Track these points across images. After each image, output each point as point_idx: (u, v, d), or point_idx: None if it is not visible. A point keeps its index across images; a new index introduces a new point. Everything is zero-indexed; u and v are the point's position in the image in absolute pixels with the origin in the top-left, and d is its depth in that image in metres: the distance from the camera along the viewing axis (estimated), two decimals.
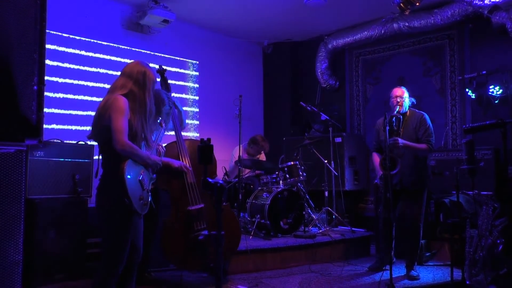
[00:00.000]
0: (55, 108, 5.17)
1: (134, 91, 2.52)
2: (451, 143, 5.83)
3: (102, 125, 2.47)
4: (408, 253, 4.17)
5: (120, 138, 2.38)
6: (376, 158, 4.29)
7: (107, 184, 2.49)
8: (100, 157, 2.57)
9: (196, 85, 6.75)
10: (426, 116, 4.17)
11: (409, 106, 4.21)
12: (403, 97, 4.12)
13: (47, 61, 4.49)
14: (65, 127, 5.23)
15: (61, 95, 5.23)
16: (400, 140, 3.88)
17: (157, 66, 3.83)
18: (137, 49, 5.95)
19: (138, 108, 2.51)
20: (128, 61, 5.57)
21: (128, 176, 2.39)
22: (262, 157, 6.06)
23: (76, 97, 5.35)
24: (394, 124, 3.90)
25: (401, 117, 4.03)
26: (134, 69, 2.59)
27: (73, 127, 5.26)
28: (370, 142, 4.75)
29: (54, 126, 5.13)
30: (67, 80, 5.29)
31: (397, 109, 4.04)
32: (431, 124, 4.14)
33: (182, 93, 6.49)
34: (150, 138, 2.63)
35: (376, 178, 4.21)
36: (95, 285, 2.48)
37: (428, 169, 4.19)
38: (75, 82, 5.36)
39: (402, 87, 4.25)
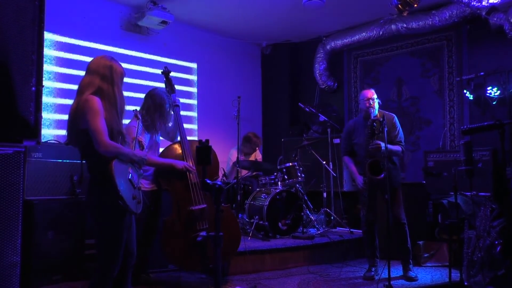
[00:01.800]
0: (53, 108, 5.18)
1: (102, 87, 2.44)
2: (449, 144, 5.84)
3: (78, 129, 2.40)
4: (401, 253, 4.16)
5: (102, 139, 2.32)
6: (350, 163, 4.27)
7: (98, 187, 2.43)
8: (84, 161, 2.50)
9: (195, 88, 6.75)
10: (396, 118, 4.21)
11: (378, 108, 4.19)
12: (374, 98, 4.11)
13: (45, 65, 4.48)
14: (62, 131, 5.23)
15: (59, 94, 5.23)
16: (383, 144, 3.89)
17: (158, 70, 3.85)
18: (135, 50, 5.95)
19: (109, 104, 2.43)
20: (127, 62, 5.64)
21: (119, 183, 2.34)
22: (259, 156, 6.06)
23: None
24: (374, 127, 3.90)
25: (381, 120, 3.99)
26: (99, 64, 2.50)
27: None
28: None
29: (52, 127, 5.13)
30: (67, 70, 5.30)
31: (372, 112, 4.04)
32: (400, 126, 4.20)
33: (180, 94, 6.47)
34: (125, 133, 2.55)
35: (358, 182, 4.15)
36: (91, 287, 2.47)
37: (399, 171, 4.25)
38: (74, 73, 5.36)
39: (371, 89, 4.23)
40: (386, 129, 3.80)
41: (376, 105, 4.14)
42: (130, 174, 2.50)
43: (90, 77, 2.47)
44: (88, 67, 2.53)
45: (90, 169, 2.49)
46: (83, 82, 2.47)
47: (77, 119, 2.39)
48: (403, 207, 4.15)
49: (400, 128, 4.19)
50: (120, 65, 2.58)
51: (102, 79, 2.45)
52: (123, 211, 2.41)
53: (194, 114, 6.71)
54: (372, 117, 3.99)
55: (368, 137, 3.94)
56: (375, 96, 4.14)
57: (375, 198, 4.13)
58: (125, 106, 2.58)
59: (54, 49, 5.19)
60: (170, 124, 3.78)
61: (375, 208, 4.15)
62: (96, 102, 2.37)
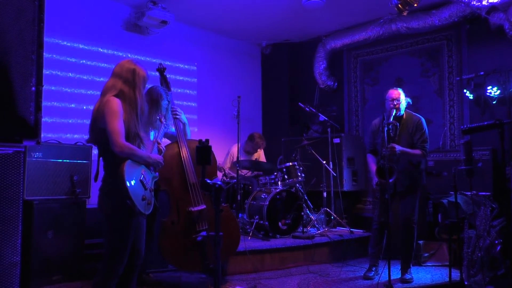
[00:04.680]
0: (54, 102, 5.18)
1: (124, 90, 2.51)
2: (449, 144, 5.84)
3: (98, 128, 2.47)
4: (402, 255, 4.14)
5: (117, 140, 2.39)
6: (371, 161, 4.25)
7: (108, 186, 2.50)
8: (101, 159, 2.58)
9: (195, 88, 6.74)
10: (423, 120, 4.10)
11: (405, 108, 4.14)
12: (400, 99, 4.03)
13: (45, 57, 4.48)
14: (64, 120, 5.24)
15: (61, 88, 5.23)
16: (397, 147, 3.84)
17: (157, 65, 3.84)
18: (135, 50, 5.94)
19: (129, 107, 2.50)
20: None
21: (128, 183, 2.38)
22: (262, 157, 6.06)
23: (75, 90, 5.34)
24: (391, 130, 3.87)
25: (398, 124, 3.97)
26: (123, 67, 2.58)
27: (71, 120, 5.27)
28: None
29: (52, 120, 5.13)
30: (67, 74, 5.30)
31: (393, 114, 3.96)
32: (427, 129, 4.08)
33: (180, 94, 6.47)
34: (144, 136, 2.61)
35: (373, 182, 4.16)
36: (95, 285, 2.48)
37: (422, 173, 4.15)
38: (73, 75, 5.37)
39: (398, 88, 4.14)
40: (387, 129, 3.79)
41: (403, 106, 4.06)
42: (143, 176, 2.53)
43: (114, 80, 2.55)
44: (113, 70, 2.61)
45: (105, 167, 2.56)
46: (107, 85, 2.56)
47: (98, 119, 2.47)
48: (417, 210, 4.08)
49: (426, 131, 4.06)
50: (144, 69, 2.63)
51: (124, 82, 2.53)
52: (131, 211, 2.42)
53: (194, 114, 6.70)
54: (390, 120, 3.92)
55: (383, 141, 3.91)
56: (402, 96, 4.06)
57: (391, 200, 4.02)
58: (146, 109, 2.65)
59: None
60: (167, 122, 3.71)
61: (389, 210, 4.12)
62: (116, 103, 2.44)
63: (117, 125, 2.40)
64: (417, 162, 4.08)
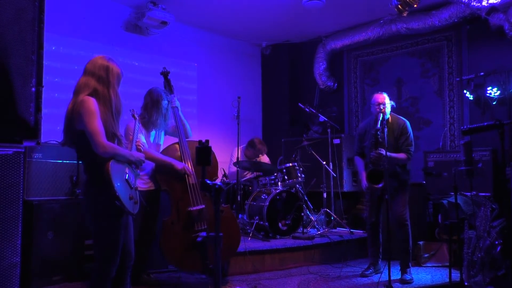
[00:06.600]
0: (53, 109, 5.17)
1: (97, 89, 2.41)
2: (449, 144, 5.84)
3: (75, 130, 2.38)
4: (400, 255, 4.16)
5: (100, 140, 2.31)
6: (359, 164, 4.30)
7: (95, 188, 2.43)
8: (80, 162, 2.52)
9: (195, 88, 6.74)
10: (408, 124, 4.17)
11: (390, 112, 4.17)
12: (385, 103, 4.08)
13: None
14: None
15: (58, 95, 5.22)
16: (385, 153, 3.89)
17: (158, 70, 3.86)
18: (135, 51, 5.94)
19: (103, 106, 2.41)
20: (127, 63, 5.64)
21: (115, 184, 2.34)
22: (265, 159, 6.05)
23: None
24: (379, 136, 3.91)
25: (386, 130, 4.01)
26: (96, 65, 2.47)
27: None
28: None
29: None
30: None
31: (380, 118, 3.99)
32: (411, 132, 4.15)
33: (180, 95, 6.47)
34: (120, 135, 2.54)
35: (362, 185, 4.20)
36: (91, 287, 2.47)
37: (409, 173, 4.23)
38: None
39: (383, 92, 4.20)
40: (373, 140, 3.87)
41: (388, 109, 4.11)
42: (127, 175, 2.49)
43: (86, 78, 2.45)
44: (85, 67, 2.50)
45: (87, 170, 2.48)
46: (79, 83, 2.45)
47: (73, 120, 2.37)
48: (408, 208, 4.15)
49: (411, 134, 4.13)
50: (118, 65, 2.55)
51: (98, 81, 2.43)
52: (119, 212, 2.40)
53: (194, 115, 6.70)
54: (378, 126, 3.96)
55: (372, 146, 3.96)
56: (386, 100, 4.11)
57: (380, 200, 4.14)
58: (121, 108, 2.54)
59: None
60: (170, 122, 3.77)
61: (378, 210, 4.20)
62: (92, 103, 2.35)
63: (97, 125, 2.32)
64: (403, 164, 4.15)
